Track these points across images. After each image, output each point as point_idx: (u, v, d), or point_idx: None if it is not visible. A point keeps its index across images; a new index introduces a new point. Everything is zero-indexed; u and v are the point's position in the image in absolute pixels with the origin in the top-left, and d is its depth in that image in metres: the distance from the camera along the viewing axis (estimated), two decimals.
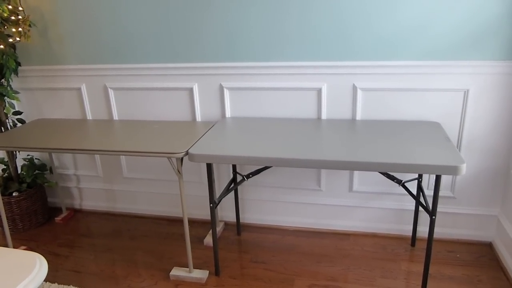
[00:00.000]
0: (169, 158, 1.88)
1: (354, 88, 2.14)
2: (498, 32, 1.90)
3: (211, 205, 1.97)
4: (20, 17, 2.29)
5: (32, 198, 2.59)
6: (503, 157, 2.09)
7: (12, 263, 1.10)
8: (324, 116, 2.23)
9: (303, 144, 1.84)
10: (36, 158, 2.75)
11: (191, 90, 2.36)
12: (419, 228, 2.30)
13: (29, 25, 2.35)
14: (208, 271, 2.13)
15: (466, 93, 2.02)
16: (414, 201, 2.27)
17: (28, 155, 2.73)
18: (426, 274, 1.84)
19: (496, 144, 2.08)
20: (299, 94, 2.23)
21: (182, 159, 1.90)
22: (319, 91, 2.19)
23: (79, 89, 2.53)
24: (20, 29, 2.29)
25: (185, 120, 2.42)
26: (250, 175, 2.16)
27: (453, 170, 1.55)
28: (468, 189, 2.20)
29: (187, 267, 2.16)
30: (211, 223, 2.02)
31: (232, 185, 2.29)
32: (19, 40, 2.32)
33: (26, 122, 2.64)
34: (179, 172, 1.91)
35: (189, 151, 1.84)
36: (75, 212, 2.85)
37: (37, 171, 2.66)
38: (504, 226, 2.09)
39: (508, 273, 1.98)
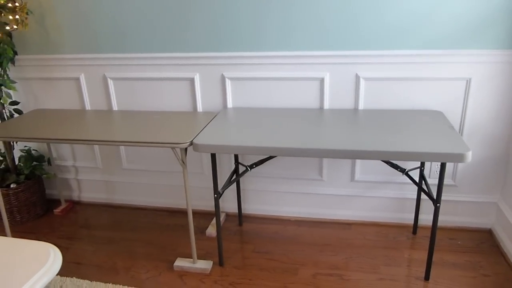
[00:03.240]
0: (173, 148, 1.87)
1: (357, 78, 2.14)
2: (500, 21, 1.92)
3: (215, 195, 1.97)
4: (17, 4, 2.24)
5: (30, 190, 2.55)
6: (504, 145, 2.12)
7: (25, 254, 1.09)
8: (326, 106, 2.23)
9: (306, 133, 1.84)
10: (33, 149, 2.71)
11: (192, 80, 2.34)
12: (420, 216, 2.33)
13: (26, 13, 2.29)
14: (212, 262, 2.12)
15: (468, 82, 2.03)
16: (415, 189, 2.29)
17: (25, 146, 2.69)
18: (430, 261, 1.87)
19: (497, 132, 2.10)
20: (301, 84, 2.22)
21: (186, 149, 1.89)
22: (321, 80, 2.19)
23: (77, 79, 2.49)
24: (17, 16, 2.23)
25: (186, 111, 2.40)
26: (254, 166, 2.15)
27: (459, 158, 1.57)
28: (469, 177, 2.22)
29: (191, 258, 2.15)
30: (215, 213, 2.01)
31: (235, 176, 2.28)
32: (16, 28, 2.27)
33: (23, 112, 2.60)
34: (183, 162, 1.90)
35: (193, 141, 1.83)
36: (74, 204, 2.82)
37: (35, 163, 2.62)
38: (504, 212, 2.12)
39: (508, 258, 2.02)
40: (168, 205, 2.71)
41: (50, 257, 1.07)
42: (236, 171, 2.30)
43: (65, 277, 2.06)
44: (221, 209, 2.62)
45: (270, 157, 2.18)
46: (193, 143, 1.83)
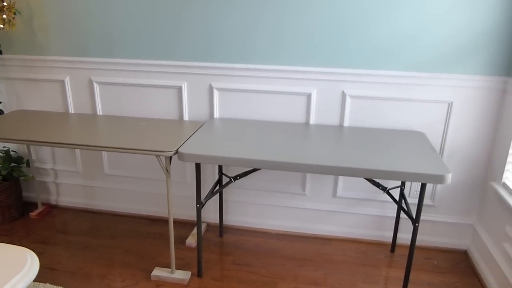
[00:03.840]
0: (158, 156, 1.86)
1: (343, 95, 2.18)
2: (482, 48, 1.98)
3: (198, 205, 1.95)
4: (5, 3, 2.20)
5: (7, 192, 2.49)
6: (482, 168, 2.18)
7: (1, 258, 1.06)
8: (312, 121, 2.26)
9: (291, 148, 1.86)
10: (12, 150, 2.65)
11: (180, 89, 2.33)
12: (399, 235, 2.36)
13: (14, 13, 2.26)
14: (190, 272, 2.10)
15: (450, 105, 2.09)
16: (395, 208, 2.33)
17: (4, 146, 2.62)
18: (407, 280, 1.89)
19: (476, 155, 2.16)
20: (288, 98, 2.24)
21: (171, 158, 1.88)
22: (308, 96, 2.21)
23: (62, 82, 2.46)
24: (4, 16, 2.20)
25: (172, 119, 2.39)
26: (238, 177, 2.15)
27: (439, 179, 1.60)
28: (447, 198, 2.27)
29: (169, 268, 2.13)
30: (197, 223, 2.00)
31: (218, 186, 2.27)
32: (3, 28, 2.23)
33: (5, 112, 2.54)
34: (167, 171, 1.88)
35: (179, 150, 1.82)
36: (51, 208, 2.76)
37: (13, 164, 2.56)
38: (479, 234, 2.17)
39: (483, 280, 2.06)
40: (149, 213, 2.68)
41: (27, 262, 1.05)
42: (219, 181, 2.30)
43: (38, 283, 2.01)
44: (202, 219, 2.60)
45: (254, 169, 2.18)
46: (178, 152, 1.82)
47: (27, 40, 2.40)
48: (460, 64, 2.03)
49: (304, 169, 1.71)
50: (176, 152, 1.83)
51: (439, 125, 2.15)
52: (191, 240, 2.37)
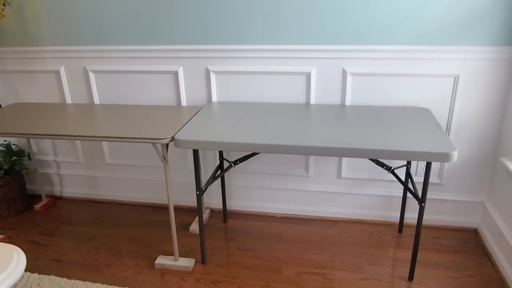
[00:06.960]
0: (154, 144, 1.82)
1: (344, 73, 2.09)
2: (489, 17, 1.87)
3: (198, 192, 1.92)
4: None
5: (10, 186, 2.49)
6: (491, 144, 2.09)
7: None
8: (313, 101, 2.19)
9: (291, 130, 1.80)
10: (13, 144, 2.64)
11: (176, 74, 2.28)
12: (406, 215, 2.31)
13: (3, 4, 2.21)
14: (194, 259, 2.09)
15: (456, 79, 2.00)
16: (402, 187, 2.26)
17: (5, 140, 2.62)
18: (414, 261, 1.85)
19: (485, 131, 2.07)
20: (287, 79, 2.17)
21: (167, 145, 1.84)
22: (308, 75, 2.14)
23: (57, 72, 2.42)
24: None
25: (170, 105, 2.34)
26: (238, 162, 2.11)
27: (444, 157, 1.54)
28: (455, 176, 2.20)
29: (173, 255, 2.11)
30: (198, 210, 1.97)
31: (219, 171, 2.23)
32: None
33: (2, 106, 2.52)
34: (164, 158, 1.85)
35: (174, 137, 1.78)
36: (56, 200, 2.76)
37: (14, 157, 2.55)
38: (490, 212, 2.10)
39: (493, 259, 2.00)
40: (152, 201, 2.66)
41: (13, 260, 1.02)
42: (220, 166, 2.26)
43: (44, 275, 2.01)
44: (206, 205, 2.57)
45: (254, 153, 2.13)
46: (174, 139, 1.78)
47: (19, 31, 2.36)
48: (465, 35, 1.92)
49: (306, 151, 1.65)
50: (172, 139, 1.79)
51: (445, 100, 2.06)
52: (195, 227, 2.36)
